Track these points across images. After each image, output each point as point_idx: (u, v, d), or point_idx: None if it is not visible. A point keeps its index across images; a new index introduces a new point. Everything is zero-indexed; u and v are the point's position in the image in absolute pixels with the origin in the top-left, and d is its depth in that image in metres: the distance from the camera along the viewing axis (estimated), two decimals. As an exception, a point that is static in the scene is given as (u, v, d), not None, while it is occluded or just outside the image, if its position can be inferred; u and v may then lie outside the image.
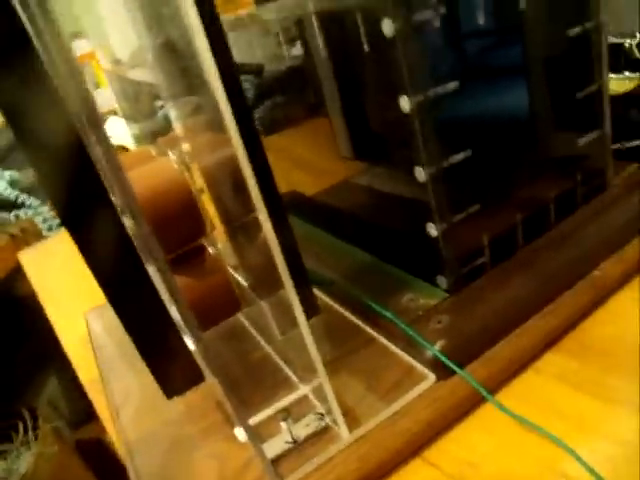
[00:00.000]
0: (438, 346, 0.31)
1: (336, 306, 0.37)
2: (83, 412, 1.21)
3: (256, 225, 0.30)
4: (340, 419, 0.28)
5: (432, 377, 0.30)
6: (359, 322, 0.35)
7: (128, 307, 0.26)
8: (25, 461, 0.89)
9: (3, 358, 1.03)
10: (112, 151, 0.20)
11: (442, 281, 0.34)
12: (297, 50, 0.42)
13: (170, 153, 0.32)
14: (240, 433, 0.30)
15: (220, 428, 0.32)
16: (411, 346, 0.32)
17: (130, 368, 0.41)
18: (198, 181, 0.32)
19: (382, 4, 0.27)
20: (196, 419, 0.34)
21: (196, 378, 0.28)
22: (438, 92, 0.29)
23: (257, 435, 0.29)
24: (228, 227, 0.31)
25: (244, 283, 0.32)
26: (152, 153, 0.37)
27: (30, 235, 0.91)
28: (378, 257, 0.39)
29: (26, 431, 0.94)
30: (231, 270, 0.33)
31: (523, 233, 0.36)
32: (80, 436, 1.17)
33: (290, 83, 0.46)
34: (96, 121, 0.22)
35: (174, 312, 0.27)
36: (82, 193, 0.23)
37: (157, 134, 0.42)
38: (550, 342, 0.33)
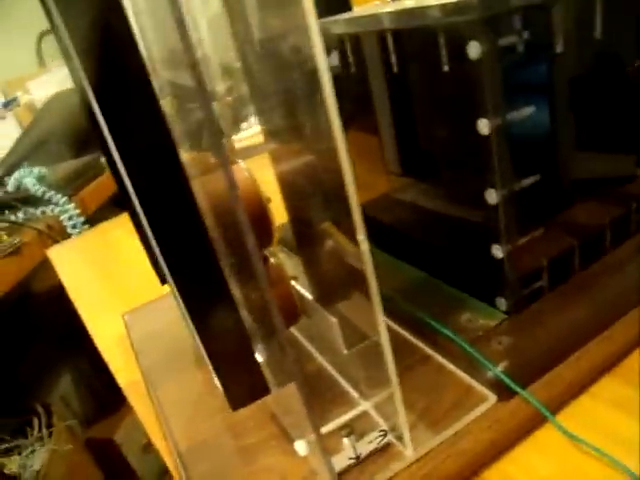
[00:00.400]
0: (501, 367, 0.31)
1: (391, 323, 0.37)
2: (94, 411, 1.22)
3: (328, 235, 0.30)
4: (407, 436, 0.28)
5: (493, 398, 0.30)
6: (415, 340, 0.35)
7: (205, 315, 0.26)
8: (39, 457, 0.89)
9: (20, 353, 1.03)
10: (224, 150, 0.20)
11: (501, 303, 0.34)
12: (333, 60, 0.42)
13: (240, 161, 0.32)
14: (300, 447, 0.30)
15: (276, 441, 0.32)
16: (470, 366, 0.32)
17: (177, 376, 0.40)
18: (265, 191, 0.32)
19: (470, 27, 0.27)
20: (249, 432, 0.33)
21: (262, 390, 0.28)
22: (515, 116, 0.29)
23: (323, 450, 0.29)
24: (297, 237, 0.31)
25: (308, 295, 0.32)
26: (211, 159, 0.37)
27: (56, 232, 0.92)
28: (433, 275, 0.39)
29: (40, 428, 0.94)
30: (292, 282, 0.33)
31: (580, 257, 0.36)
32: (90, 435, 1.17)
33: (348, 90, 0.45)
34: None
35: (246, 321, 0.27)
36: (168, 194, 0.23)
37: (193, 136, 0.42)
38: (606, 368, 0.33)
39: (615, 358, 0.34)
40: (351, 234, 0.24)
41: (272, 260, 0.33)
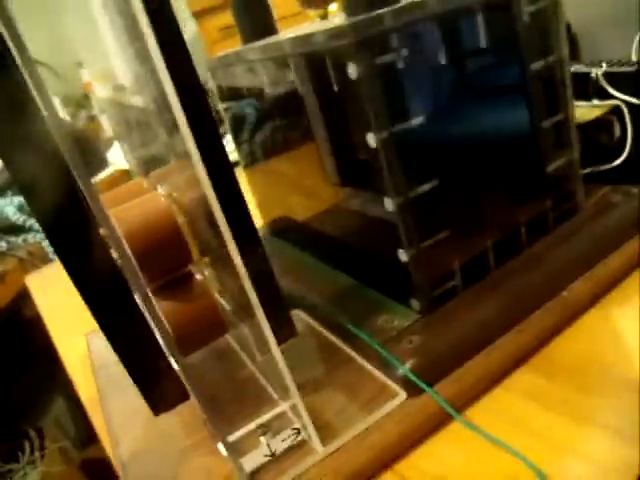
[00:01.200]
0: (408, 365, 0.32)
1: (318, 327, 0.39)
2: (88, 432, 1.23)
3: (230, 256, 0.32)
4: (313, 434, 0.30)
5: (403, 395, 0.32)
6: (339, 342, 0.37)
7: (116, 331, 0.28)
8: (31, 480, 0.91)
9: (10, 378, 1.05)
10: (93, 190, 0.22)
11: (415, 303, 0.36)
12: (290, 75, 0.44)
13: (159, 187, 0.35)
14: (222, 448, 0.32)
15: (206, 443, 0.34)
16: (385, 365, 0.34)
17: (127, 387, 0.42)
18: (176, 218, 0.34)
19: (347, 49, 0.29)
20: (187, 434, 0.36)
21: (181, 396, 0.30)
22: (403, 128, 0.31)
23: (236, 449, 0.31)
24: (209, 258, 0.33)
25: (227, 307, 0.34)
26: (144, 185, 0.39)
27: (37, 258, 0.94)
28: (358, 280, 0.41)
29: (32, 451, 0.96)
30: (217, 295, 0.36)
31: (495, 256, 0.38)
32: (86, 456, 1.19)
33: (285, 108, 0.48)
34: (76, 160, 0.25)
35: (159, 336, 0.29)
36: (71, 226, 0.25)
37: (155, 161, 0.45)
38: (519, 360, 0.35)
39: (530, 350, 0.36)
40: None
41: (197, 276, 0.35)
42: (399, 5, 0.30)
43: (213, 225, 0.30)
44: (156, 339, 0.29)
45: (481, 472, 0.29)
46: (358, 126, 0.31)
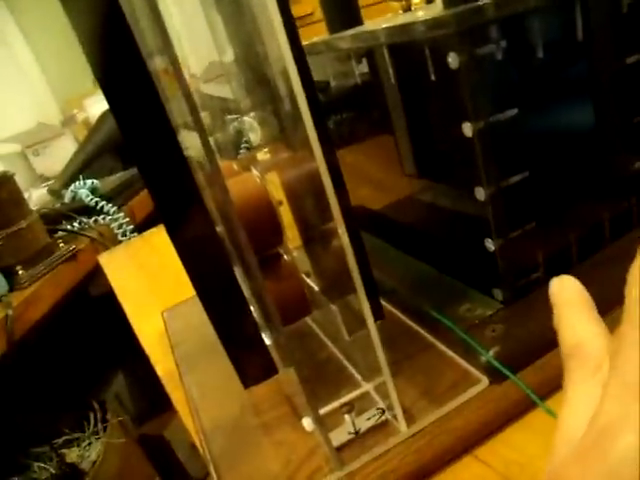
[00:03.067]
0: (492, 352, 0.33)
1: (398, 313, 0.39)
2: (146, 409, 1.28)
3: (330, 235, 0.33)
4: (400, 414, 0.30)
5: (485, 381, 0.33)
6: (419, 329, 0.38)
7: (216, 303, 0.29)
8: (95, 450, 0.95)
9: (78, 353, 1.11)
10: (216, 161, 0.24)
11: (498, 293, 0.36)
12: (363, 67, 0.45)
13: (253, 168, 0.36)
14: (307, 423, 0.33)
15: (288, 419, 0.35)
16: (467, 352, 0.34)
17: (207, 363, 0.45)
18: (277, 194, 0.35)
19: (449, 39, 0.30)
20: (266, 410, 0.37)
21: (271, 370, 0.32)
22: (498, 119, 0.31)
23: (323, 425, 0.32)
24: (304, 236, 0.34)
25: (316, 288, 0.35)
26: (235, 167, 0.41)
27: (107, 239, 0.99)
28: (437, 269, 0.42)
29: (96, 422, 1.01)
30: (304, 276, 0.37)
31: (578, 250, 0.38)
32: (142, 431, 1.24)
33: (355, 100, 0.48)
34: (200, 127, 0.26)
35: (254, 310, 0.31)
36: (181, 197, 0.27)
37: (228, 146, 0.46)
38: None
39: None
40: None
41: (285, 257, 0.36)
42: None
43: (315, 204, 0.31)
44: (251, 313, 0.30)
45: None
46: (453, 116, 0.32)
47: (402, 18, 0.38)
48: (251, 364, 0.31)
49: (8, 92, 1.57)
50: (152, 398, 1.29)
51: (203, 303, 0.29)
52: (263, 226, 0.33)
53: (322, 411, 0.33)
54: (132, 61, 0.24)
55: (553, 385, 0.33)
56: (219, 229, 0.29)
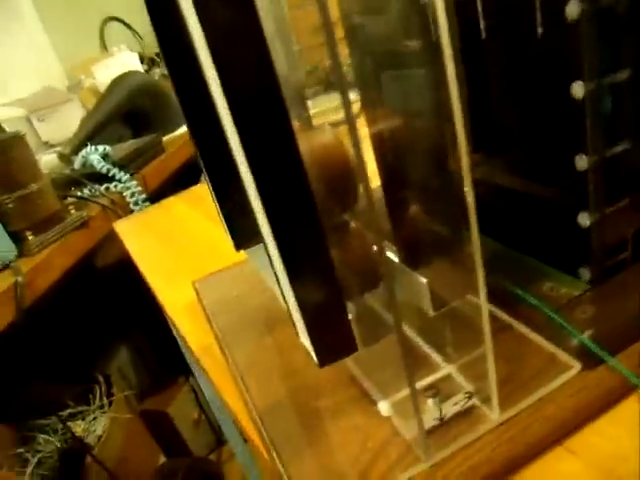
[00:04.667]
0: (587, 334, 0.30)
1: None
2: (148, 384, 1.26)
3: (422, 197, 0.30)
4: (495, 399, 0.28)
5: (578, 366, 0.30)
6: (495, 309, 0.35)
7: (302, 267, 0.26)
8: (101, 424, 0.93)
9: (84, 324, 1.07)
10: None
11: (585, 273, 0.33)
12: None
13: (326, 124, 0.33)
14: (385, 407, 0.30)
15: (357, 403, 0.32)
16: (553, 334, 0.32)
17: (251, 339, 0.42)
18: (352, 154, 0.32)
19: (570, -14, 0.26)
20: (327, 392, 0.34)
21: (350, 347, 0.29)
22: (612, 80, 0.28)
23: (402, 411, 0.29)
24: (389, 200, 0.31)
25: (395, 258, 0.32)
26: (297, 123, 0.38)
27: (119, 207, 0.95)
28: (511, 247, 0.39)
29: (101, 396, 0.98)
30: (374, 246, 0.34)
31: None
32: (145, 407, 1.22)
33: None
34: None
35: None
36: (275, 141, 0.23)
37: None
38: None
39: None
40: (445, 191, 0.25)
41: (353, 224, 0.33)
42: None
43: (410, 162, 0.28)
44: (338, 282, 0.27)
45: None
46: (560, 75, 0.29)
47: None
48: (331, 339, 0.28)
49: (13, 55, 1.51)
50: (155, 374, 1.27)
51: (286, 265, 0.26)
52: (341, 186, 0.30)
53: (399, 395, 0.31)
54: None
55: (647, 372, 0.31)
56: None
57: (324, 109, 0.39)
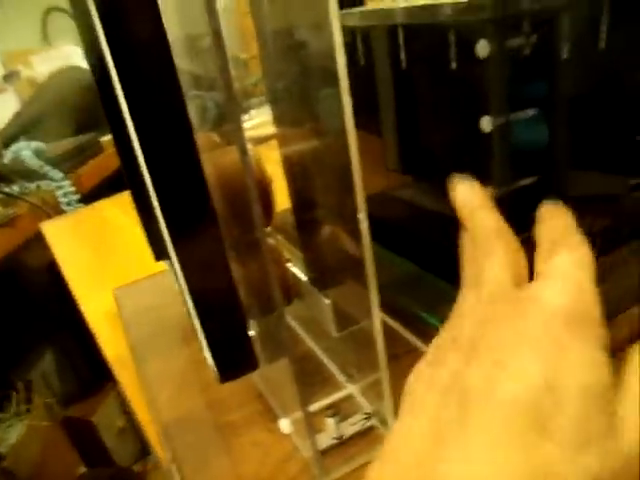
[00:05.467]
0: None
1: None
2: (74, 391, 1.21)
3: (333, 219, 0.30)
4: (392, 420, 0.28)
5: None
6: (403, 330, 0.36)
7: (202, 283, 0.26)
8: (16, 432, 0.89)
9: (4, 327, 1.03)
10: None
11: (489, 299, 0.35)
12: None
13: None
14: (285, 424, 0.30)
15: (261, 419, 0.32)
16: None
17: (164, 351, 0.41)
18: (267, 172, 0.32)
19: (480, 26, 0.27)
20: (233, 409, 0.34)
21: (252, 365, 0.29)
22: (519, 117, 0.30)
23: (302, 428, 0.30)
24: (298, 218, 0.31)
25: (303, 277, 0.32)
26: (216, 139, 0.37)
27: (49, 207, 0.92)
28: (424, 268, 0.40)
29: (19, 403, 0.94)
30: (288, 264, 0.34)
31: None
32: (68, 414, 1.17)
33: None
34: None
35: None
36: (179, 162, 0.23)
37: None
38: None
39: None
40: (351, 215, 0.25)
41: (269, 241, 0.33)
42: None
43: (319, 184, 0.28)
44: (240, 300, 0.27)
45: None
46: (471, 108, 0.30)
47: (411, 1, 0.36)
48: (233, 357, 0.28)
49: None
50: (81, 380, 1.22)
51: (187, 282, 0.26)
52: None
53: (300, 414, 0.31)
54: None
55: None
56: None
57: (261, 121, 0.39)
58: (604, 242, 0.38)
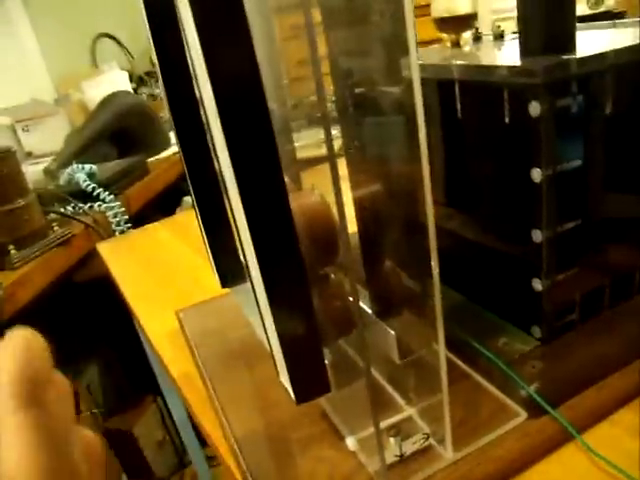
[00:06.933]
0: (533, 387, 0.34)
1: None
2: (115, 403, 1.26)
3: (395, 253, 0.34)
4: (449, 440, 0.31)
5: (524, 414, 0.34)
6: (455, 359, 0.39)
7: (286, 311, 0.29)
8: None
9: (55, 339, 1.08)
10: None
11: (536, 331, 0.38)
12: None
13: (315, 189, 0.37)
14: (351, 442, 0.34)
15: (326, 436, 0.36)
16: (505, 385, 0.36)
17: (233, 371, 0.45)
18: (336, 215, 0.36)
19: (532, 89, 0.31)
20: (301, 426, 0.37)
21: (325, 388, 0.32)
22: (564, 168, 0.33)
23: (368, 446, 0.33)
24: (366, 256, 0.35)
25: (368, 309, 0.36)
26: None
27: (101, 227, 0.97)
28: (473, 300, 0.43)
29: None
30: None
31: (610, 296, 0.40)
32: (109, 425, 1.22)
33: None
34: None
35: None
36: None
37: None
38: (627, 399, 0.37)
39: (636, 392, 0.37)
40: (419, 261, 0.29)
41: (333, 276, 0.37)
42: (583, 55, 0.32)
43: (386, 225, 0.32)
44: (317, 326, 0.31)
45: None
46: (523, 160, 0.33)
47: (463, 55, 0.40)
48: (309, 380, 0.31)
49: (2, 63, 1.53)
50: (123, 393, 1.27)
51: (272, 309, 0.29)
52: (324, 245, 0.34)
53: (365, 433, 0.34)
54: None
55: (584, 424, 0.35)
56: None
57: (308, 142, 0.42)
58: None
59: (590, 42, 0.36)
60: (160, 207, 1.17)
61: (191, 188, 0.44)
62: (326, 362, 0.32)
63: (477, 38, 0.48)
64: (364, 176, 0.34)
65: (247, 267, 0.31)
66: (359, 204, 0.34)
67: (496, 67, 0.33)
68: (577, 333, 0.38)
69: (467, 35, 0.51)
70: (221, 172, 0.29)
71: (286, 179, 0.41)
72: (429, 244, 0.26)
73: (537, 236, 0.34)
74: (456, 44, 0.50)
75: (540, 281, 0.36)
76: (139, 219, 1.04)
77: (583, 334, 0.38)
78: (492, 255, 0.41)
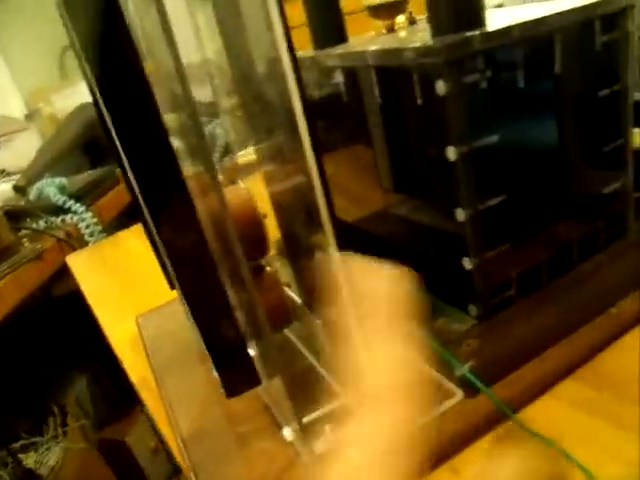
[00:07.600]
0: (468, 366, 0.34)
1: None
2: (107, 413, 1.26)
3: (315, 249, 0.34)
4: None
5: (460, 394, 0.34)
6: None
7: (203, 311, 0.29)
8: (54, 455, 0.93)
9: (39, 355, 1.08)
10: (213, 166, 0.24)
11: (472, 309, 0.38)
12: (339, 77, 0.46)
13: (240, 182, 0.37)
14: (288, 432, 0.34)
15: (268, 429, 0.36)
16: (442, 365, 0.36)
17: (184, 371, 0.45)
18: (262, 207, 0.36)
19: (437, 67, 0.31)
20: (246, 421, 0.38)
21: (254, 381, 0.32)
22: (480, 144, 0.33)
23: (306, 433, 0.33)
24: (289, 248, 0.35)
25: (298, 300, 0.36)
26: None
27: (74, 240, 0.97)
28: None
29: (56, 427, 0.99)
30: (285, 288, 0.38)
31: (548, 270, 0.40)
32: (103, 436, 1.22)
33: (329, 110, 0.49)
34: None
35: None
36: (170, 198, 0.27)
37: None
38: (568, 371, 0.37)
39: (578, 362, 0.37)
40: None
41: (268, 268, 0.37)
42: (486, 31, 0.32)
43: (303, 217, 0.32)
44: (239, 323, 0.31)
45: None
46: (437, 139, 0.33)
47: (389, 40, 0.40)
48: (236, 375, 0.31)
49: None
50: (113, 403, 1.27)
51: (191, 310, 0.30)
52: (251, 236, 0.34)
53: (306, 419, 0.34)
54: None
55: (523, 400, 0.35)
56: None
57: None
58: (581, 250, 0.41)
59: (510, 18, 0.36)
60: (134, 215, 1.16)
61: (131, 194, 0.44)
62: (253, 355, 0.32)
63: (412, 22, 0.48)
64: (273, 171, 0.34)
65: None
66: (275, 199, 0.35)
67: (404, 49, 0.33)
68: (518, 308, 0.38)
69: (401, 19, 0.51)
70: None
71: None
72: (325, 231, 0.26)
73: (460, 215, 0.34)
74: (391, 29, 0.50)
75: (469, 259, 0.36)
76: (114, 228, 1.04)
77: (523, 309, 0.38)
78: (429, 237, 0.41)
